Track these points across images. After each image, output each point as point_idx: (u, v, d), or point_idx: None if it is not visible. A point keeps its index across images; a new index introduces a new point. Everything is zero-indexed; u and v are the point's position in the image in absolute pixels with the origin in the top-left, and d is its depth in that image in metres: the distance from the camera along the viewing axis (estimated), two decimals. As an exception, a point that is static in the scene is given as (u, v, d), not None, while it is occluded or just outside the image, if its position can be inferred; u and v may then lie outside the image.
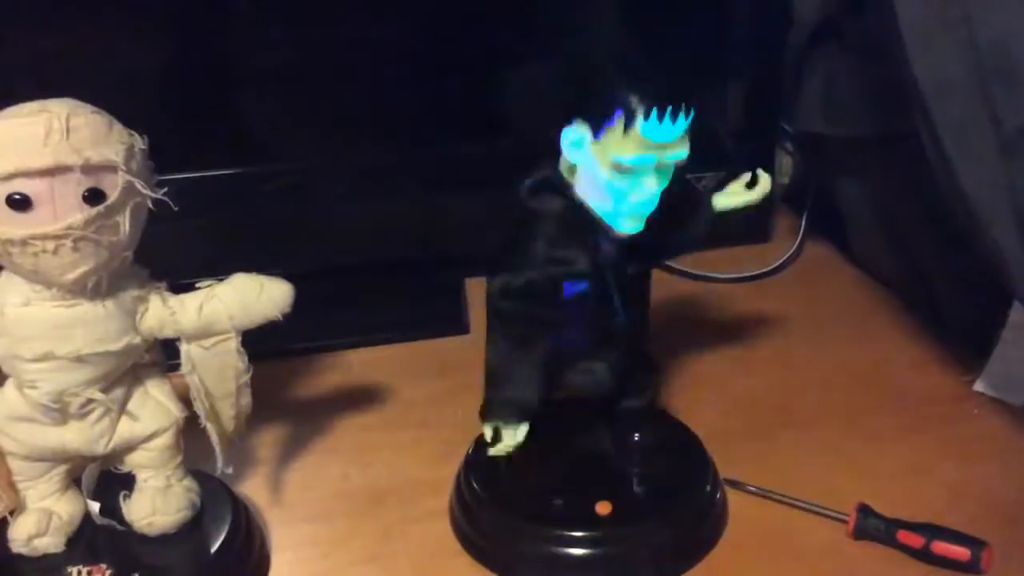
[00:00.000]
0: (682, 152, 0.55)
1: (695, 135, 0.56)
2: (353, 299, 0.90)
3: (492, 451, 0.63)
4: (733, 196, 0.65)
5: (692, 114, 0.54)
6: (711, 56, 0.91)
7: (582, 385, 0.63)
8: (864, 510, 0.63)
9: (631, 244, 0.57)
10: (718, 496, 0.66)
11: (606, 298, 0.59)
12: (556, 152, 0.58)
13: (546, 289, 0.59)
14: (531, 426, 0.65)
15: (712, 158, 0.95)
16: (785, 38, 0.89)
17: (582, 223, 0.57)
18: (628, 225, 0.56)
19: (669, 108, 0.53)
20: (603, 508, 0.63)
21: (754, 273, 0.96)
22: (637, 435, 0.66)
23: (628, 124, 0.53)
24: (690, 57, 0.90)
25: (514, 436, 0.63)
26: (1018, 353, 0.73)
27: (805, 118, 0.90)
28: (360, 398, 0.79)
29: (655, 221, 0.57)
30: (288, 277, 0.60)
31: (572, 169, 0.57)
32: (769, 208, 1.03)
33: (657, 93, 0.53)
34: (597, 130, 0.55)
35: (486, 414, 0.64)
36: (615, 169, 0.55)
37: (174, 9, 0.79)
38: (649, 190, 0.55)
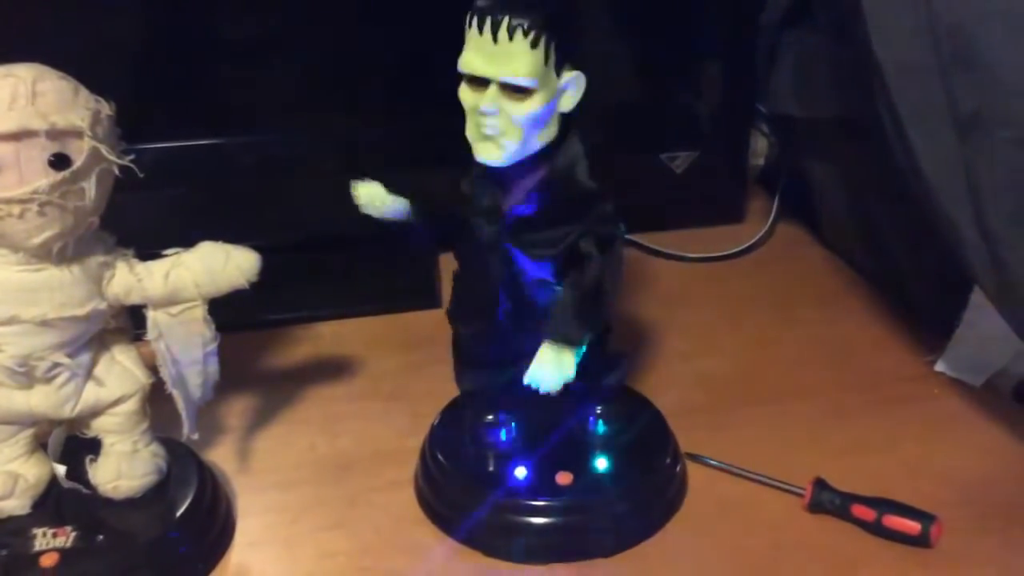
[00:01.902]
0: (520, 67, 0.52)
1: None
2: (326, 272, 0.91)
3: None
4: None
5: (533, 29, 0.52)
6: (686, 36, 0.92)
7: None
8: (820, 484, 0.64)
9: (526, 218, 0.57)
10: (678, 469, 0.67)
11: (506, 258, 0.59)
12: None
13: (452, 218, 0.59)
14: (495, 398, 0.66)
15: (687, 138, 0.96)
16: (759, 19, 0.90)
17: (492, 173, 0.57)
18: (481, 153, 0.55)
19: (502, 16, 0.51)
20: (564, 478, 0.64)
21: (726, 253, 0.97)
22: (600, 408, 0.67)
23: (469, 28, 0.53)
24: (665, 37, 0.91)
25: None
26: (978, 334, 0.75)
27: (777, 100, 0.91)
28: (330, 369, 0.80)
29: (545, 210, 0.57)
30: (260, 249, 0.60)
31: None
32: (743, 189, 1.04)
33: (499, 3, 0.52)
34: None
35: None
36: (464, 86, 0.54)
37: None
38: (487, 103, 0.53)
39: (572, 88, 0.56)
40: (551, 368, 0.57)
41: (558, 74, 0.55)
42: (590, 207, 0.58)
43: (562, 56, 0.54)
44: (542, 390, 0.57)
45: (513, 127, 0.54)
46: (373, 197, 0.61)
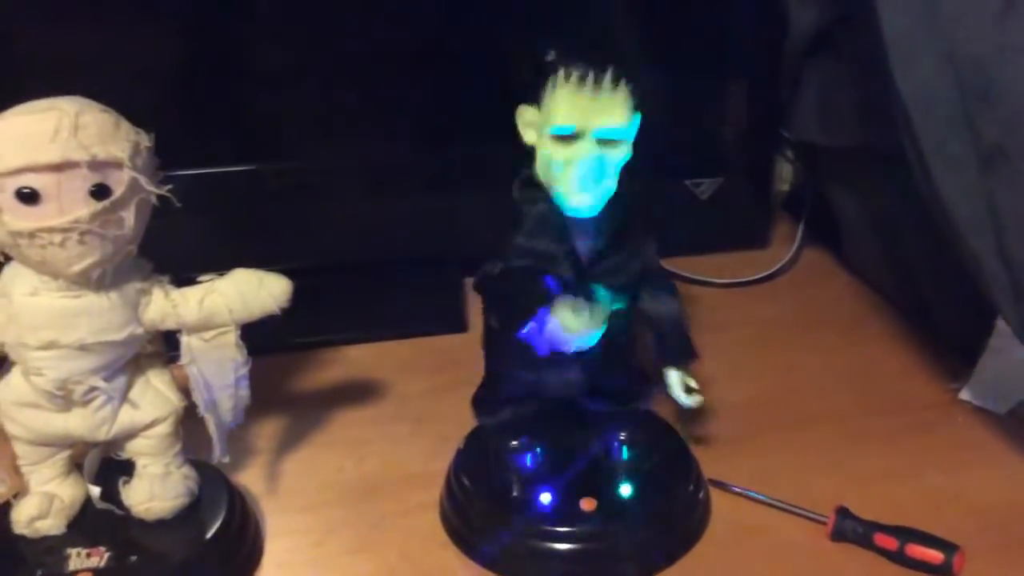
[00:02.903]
0: (616, 117, 0.54)
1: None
2: (354, 296, 0.92)
3: None
4: None
5: (620, 78, 0.54)
6: (711, 63, 0.93)
7: (555, 387, 0.64)
8: (843, 512, 0.64)
9: (603, 246, 0.58)
10: (701, 495, 0.68)
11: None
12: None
13: (521, 278, 0.59)
14: (520, 423, 0.66)
15: (712, 165, 0.97)
16: (783, 46, 0.90)
17: (558, 219, 0.58)
18: (576, 199, 0.56)
19: (591, 68, 0.53)
20: (588, 504, 0.64)
21: (751, 279, 0.97)
22: (624, 434, 0.68)
23: (555, 84, 0.54)
24: (690, 64, 0.92)
25: None
26: (1003, 362, 0.74)
27: (801, 128, 0.91)
28: (357, 393, 0.81)
29: (613, 239, 0.58)
30: (291, 273, 0.62)
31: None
32: (768, 215, 1.05)
33: (581, 55, 0.54)
34: (540, 104, 0.56)
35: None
36: (552, 140, 0.55)
37: (184, 7, 0.81)
38: (586, 154, 0.55)
39: (635, 127, 0.57)
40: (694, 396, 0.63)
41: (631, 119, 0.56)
42: (640, 231, 0.61)
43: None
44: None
45: (608, 174, 0.56)
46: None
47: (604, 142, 0.55)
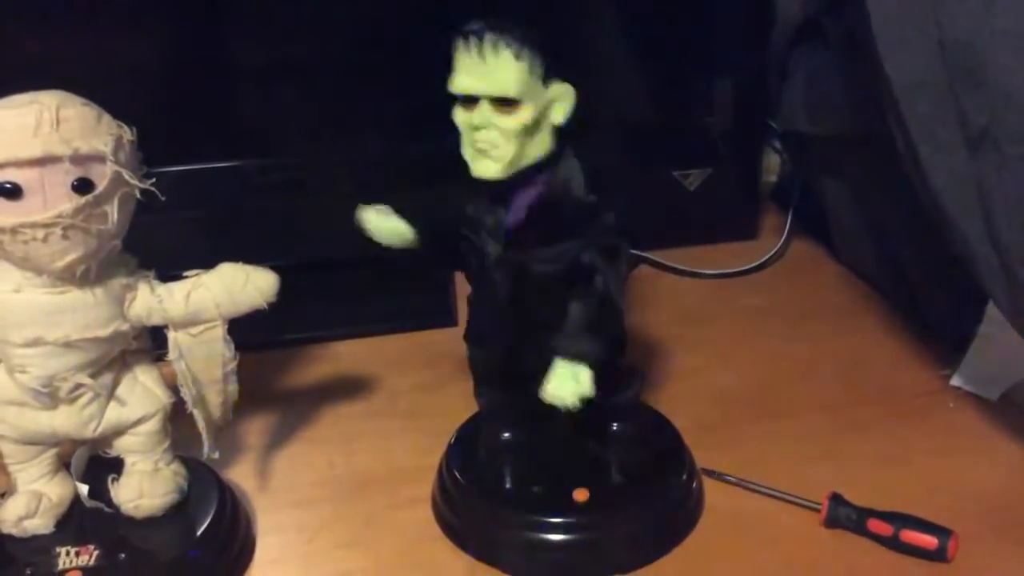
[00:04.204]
0: (507, 81, 0.54)
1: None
2: (342, 291, 0.91)
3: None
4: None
5: (517, 43, 0.54)
6: (698, 54, 0.93)
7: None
8: (836, 499, 0.64)
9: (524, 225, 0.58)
10: (694, 485, 0.67)
11: (504, 273, 0.60)
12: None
13: (458, 242, 0.60)
14: (512, 415, 0.66)
15: (700, 155, 0.97)
16: (771, 36, 0.90)
17: (494, 187, 0.58)
18: (477, 169, 0.57)
19: (487, 32, 0.53)
20: (581, 495, 0.64)
21: (740, 269, 0.97)
22: (616, 425, 0.67)
23: (456, 47, 0.55)
24: (677, 56, 0.92)
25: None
26: (994, 348, 0.75)
27: (788, 117, 0.91)
28: (347, 388, 0.81)
29: (537, 213, 0.58)
30: (279, 269, 0.61)
31: None
32: (756, 206, 1.05)
33: (484, 21, 0.54)
34: None
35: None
36: (457, 106, 0.56)
37: (169, 3, 0.80)
38: (478, 118, 0.55)
39: (562, 101, 0.57)
40: (567, 384, 0.57)
41: (545, 86, 0.56)
42: (591, 220, 0.59)
43: (547, 69, 0.56)
44: (560, 406, 0.58)
45: (505, 140, 0.55)
46: (380, 224, 0.62)
47: (499, 108, 0.55)
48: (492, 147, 0.56)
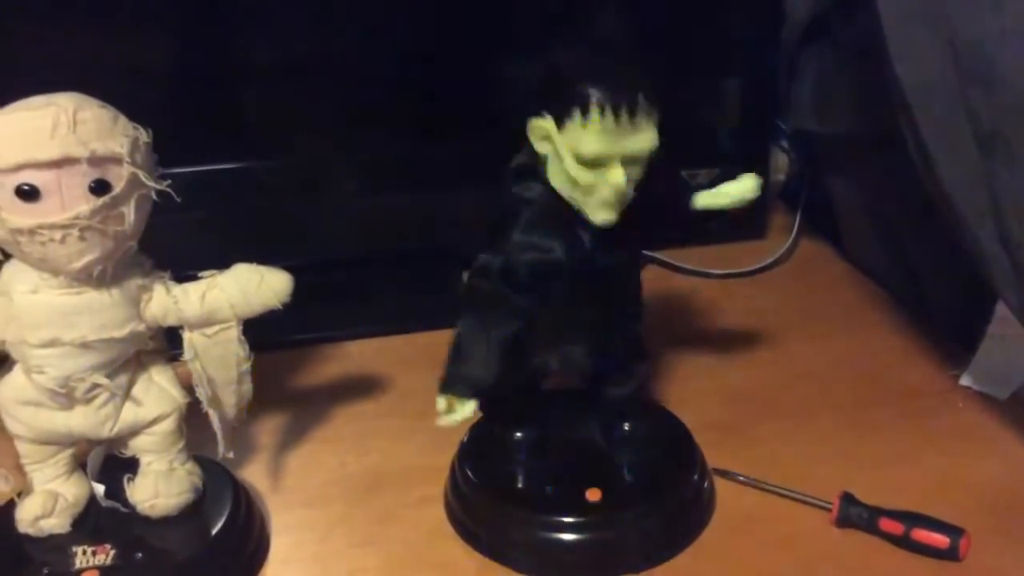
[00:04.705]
0: (646, 142, 0.55)
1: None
2: (354, 291, 0.92)
3: (441, 421, 0.61)
4: (717, 196, 0.65)
5: (649, 103, 0.54)
6: (706, 54, 0.93)
7: (556, 366, 0.63)
8: (847, 498, 0.65)
9: (607, 233, 0.58)
10: (706, 484, 0.68)
11: (581, 286, 0.59)
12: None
13: (519, 274, 0.59)
14: (523, 414, 0.66)
15: (708, 155, 0.97)
16: (779, 35, 0.90)
17: (558, 211, 0.58)
18: (601, 217, 0.57)
19: (624, 101, 0.53)
20: (593, 495, 0.64)
21: (749, 269, 0.98)
22: (627, 425, 0.68)
23: (585, 116, 0.54)
24: (686, 54, 0.92)
25: (463, 410, 0.61)
26: (1004, 348, 0.75)
27: (797, 116, 0.92)
28: (359, 388, 0.81)
29: (632, 211, 0.57)
30: (290, 269, 0.62)
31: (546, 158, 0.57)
32: (765, 205, 1.05)
33: (612, 85, 0.53)
34: (560, 122, 0.55)
35: (443, 386, 0.62)
36: (579, 162, 0.55)
37: (181, 3, 0.81)
38: (617, 181, 0.55)
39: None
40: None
41: None
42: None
43: None
44: None
45: (631, 189, 0.56)
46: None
47: (630, 162, 0.55)
48: (622, 202, 0.56)
